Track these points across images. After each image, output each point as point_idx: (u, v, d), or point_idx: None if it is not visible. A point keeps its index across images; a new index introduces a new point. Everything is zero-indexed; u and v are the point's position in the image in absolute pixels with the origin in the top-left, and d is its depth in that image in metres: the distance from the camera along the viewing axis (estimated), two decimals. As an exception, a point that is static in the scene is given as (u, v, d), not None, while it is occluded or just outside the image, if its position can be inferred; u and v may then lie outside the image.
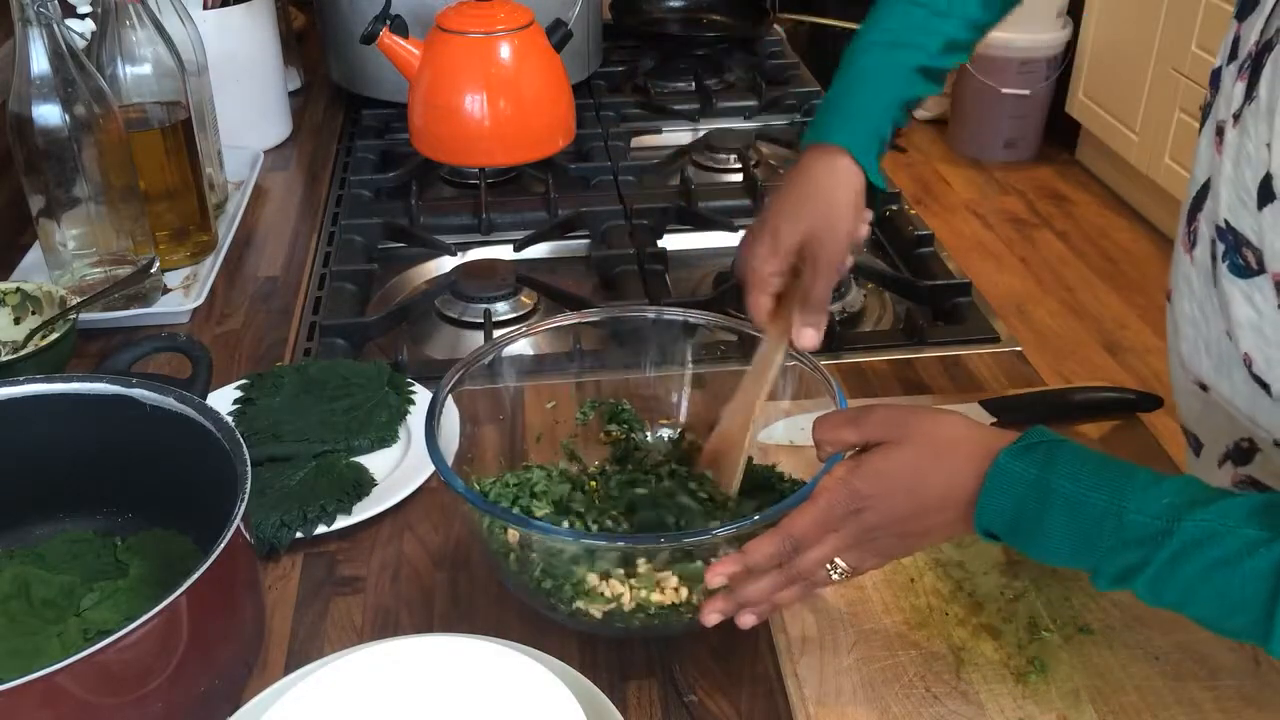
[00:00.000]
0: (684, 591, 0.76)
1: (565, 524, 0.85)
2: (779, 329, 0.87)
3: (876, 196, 0.90)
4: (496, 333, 1.15)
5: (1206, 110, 0.78)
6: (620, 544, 0.78)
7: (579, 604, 0.76)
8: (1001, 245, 3.33)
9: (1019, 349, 1.15)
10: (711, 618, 0.73)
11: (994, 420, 0.99)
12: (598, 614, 0.76)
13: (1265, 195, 0.67)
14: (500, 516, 0.76)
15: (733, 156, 1.57)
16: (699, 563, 0.76)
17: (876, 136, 0.90)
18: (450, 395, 0.87)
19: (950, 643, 0.78)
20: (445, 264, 1.31)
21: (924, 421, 0.71)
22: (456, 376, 0.87)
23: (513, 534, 0.77)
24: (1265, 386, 0.75)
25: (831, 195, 0.87)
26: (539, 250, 1.36)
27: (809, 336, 0.85)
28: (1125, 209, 3.48)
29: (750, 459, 0.87)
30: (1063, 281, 3.15)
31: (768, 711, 0.76)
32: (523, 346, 0.97)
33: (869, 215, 0.90)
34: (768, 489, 0.88)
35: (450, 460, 0.81)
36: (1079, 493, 0.64)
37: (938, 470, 0.69)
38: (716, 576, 0.72)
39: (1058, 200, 3.57)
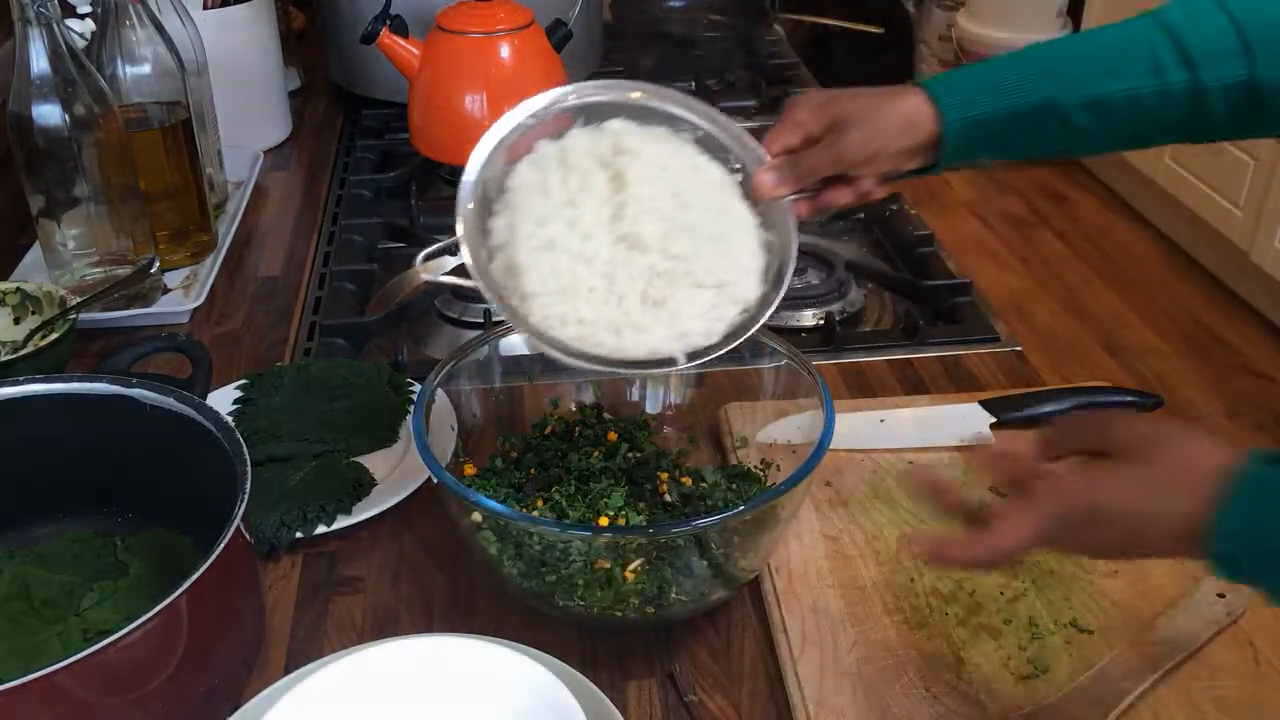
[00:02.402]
0: (678, 581, 0.76)
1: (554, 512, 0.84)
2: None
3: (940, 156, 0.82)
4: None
5: None
6: (606, 535, 0.78)
7: (573, 599, 0.76)
8: (1001, 245, 3.32)
9: (1019, 349, 1.15)
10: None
11: (994, 420, 0.99)
12: (593, 606, 0.76)
13: None
14: (484, 507, 0.75)
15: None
16: (689, 555, 0.75)
17: (969, 105, 0.81)
18: (447, 394, 0.87)
19: (950, 643, 0.78)
20: (445, 264, 1.31)
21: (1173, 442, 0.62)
22: (446, 369, 0.86)
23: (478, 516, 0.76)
24: None
25: (881, 108, 0.83)
26: (539, 250, 1.35)
27: (766, 181, 0.93)
28: (1125, 209, 3.47)
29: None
30: (1063, 281, 3.13)
31: (768, 711, 0.76)
32: (520, 346, 0.97)
33: (909, 162, 0.84)
34: (754, 480, 0.88)
35: (446, 460, 0.81)
36: None
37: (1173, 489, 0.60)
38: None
39: (1058, 200, 3.55)
